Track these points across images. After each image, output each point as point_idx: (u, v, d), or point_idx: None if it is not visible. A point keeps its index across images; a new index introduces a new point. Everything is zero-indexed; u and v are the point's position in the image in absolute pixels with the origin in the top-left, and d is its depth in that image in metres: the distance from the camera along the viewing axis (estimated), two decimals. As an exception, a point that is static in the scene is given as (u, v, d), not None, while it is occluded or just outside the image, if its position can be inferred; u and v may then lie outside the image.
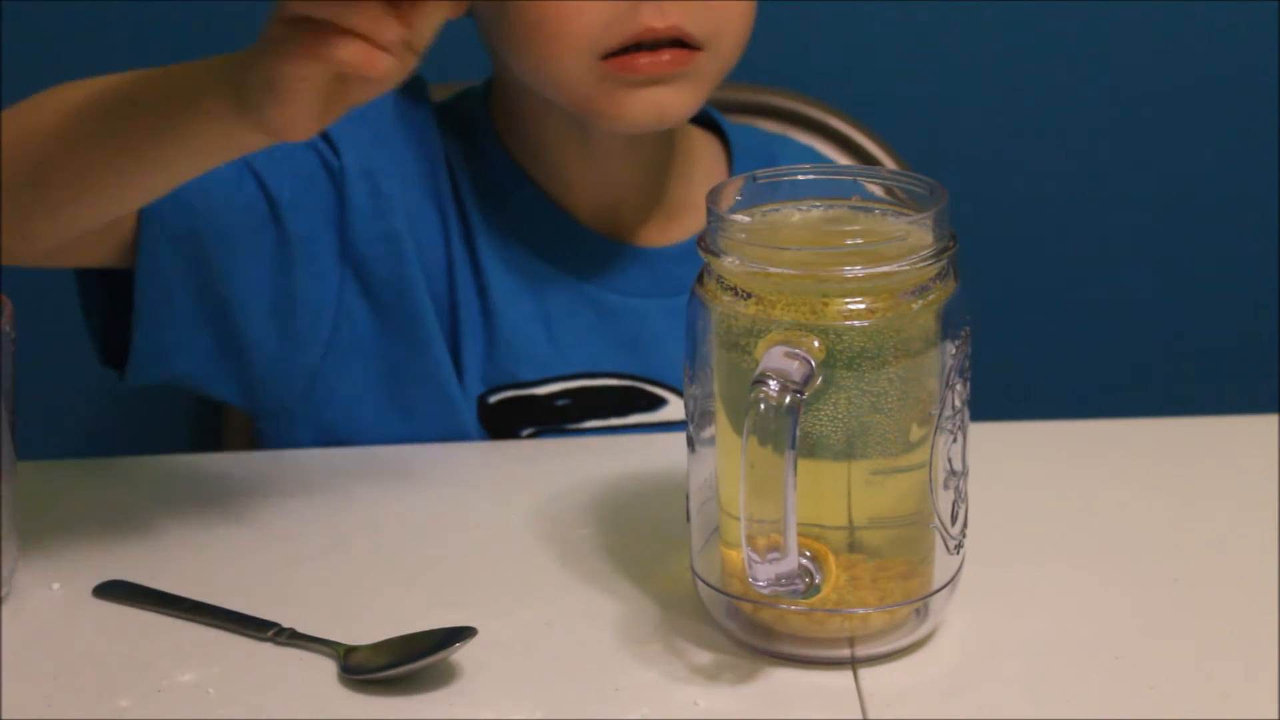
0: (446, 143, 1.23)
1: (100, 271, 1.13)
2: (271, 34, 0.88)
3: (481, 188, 1.23)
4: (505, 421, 1.21)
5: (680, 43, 1.12)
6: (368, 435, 1.21)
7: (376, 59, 0.86)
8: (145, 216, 1.10)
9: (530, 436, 1.21)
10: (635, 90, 1.12)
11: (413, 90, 1.23)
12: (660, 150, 1.24)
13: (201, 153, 0.97)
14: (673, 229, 1.25)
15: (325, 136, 1.18)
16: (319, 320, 1.20)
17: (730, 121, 1.32)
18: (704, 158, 1.29)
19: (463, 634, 0.86)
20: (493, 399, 1.21)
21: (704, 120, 1.30)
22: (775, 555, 0.80)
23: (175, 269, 1.12)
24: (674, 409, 1.22)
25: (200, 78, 0.94)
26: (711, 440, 0.86)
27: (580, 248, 1.23)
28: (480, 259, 1.22)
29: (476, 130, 1.24)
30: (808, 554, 0.84)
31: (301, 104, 0.89)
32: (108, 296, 1.14)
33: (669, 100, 1.13)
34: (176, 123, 0.95)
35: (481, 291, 1.22)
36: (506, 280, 1.22)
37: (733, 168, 1.28)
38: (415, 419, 1.22)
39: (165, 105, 0.95)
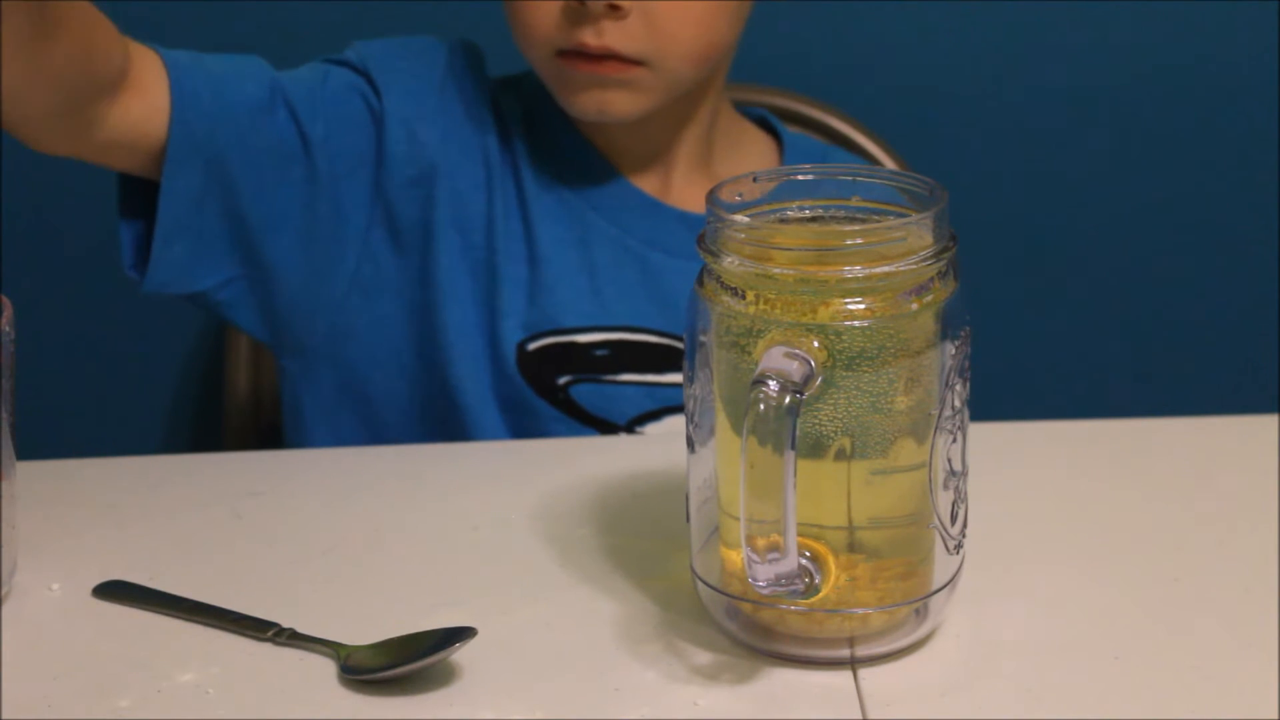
0: (504, 102, 1.31)
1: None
2: None
3: (536, 144, 1.30)
4: (543, 369, 1.26)
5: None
6: (386, 377, 1.28)
7: None
8: (174, 129, 1.16)
9: (567, 385, 1.25)
10: (581, 87, 1.24)
11: (469, 53, 1.31)
12: (704, 124, 1.31)
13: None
14: None
15: (370, 82, 1.26)
16: (342, 255, 1.26)
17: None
18: (755, 148, 1.36)
19: (463, 634, 0.86)
20: (532, 346, 1.26)
21: (763, 124, 1.39)
22: (775, 555, 0.80)
23: (204, 186, 1.18)
24: None
25: None
26: (711, 440, 0.86)
27: (629, 204, 1.30)
28: (529, 208, 1.28)
29: (538, 95, 1.31)
30: (807, 554, 0.84)
31: None
32: (147, 203, 1.19)
33: (610, 100, 1.24)
34: None
35: (530, 240, 1.28)
36: (554, 229, 1.28)
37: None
38: (433, 364, 1.27)
39: None
